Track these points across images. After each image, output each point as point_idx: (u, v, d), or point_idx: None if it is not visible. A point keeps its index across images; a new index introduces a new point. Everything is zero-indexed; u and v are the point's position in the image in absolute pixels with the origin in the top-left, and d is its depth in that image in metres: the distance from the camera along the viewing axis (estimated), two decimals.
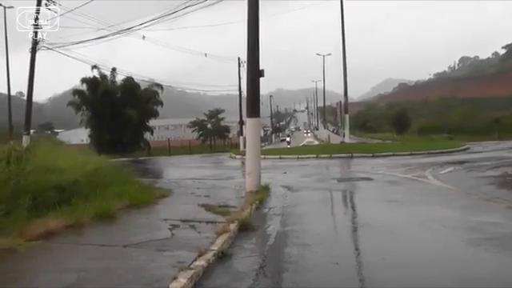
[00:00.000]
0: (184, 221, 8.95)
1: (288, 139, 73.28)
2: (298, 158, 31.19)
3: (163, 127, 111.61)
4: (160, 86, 57.45)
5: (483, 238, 7.57)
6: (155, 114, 58.61)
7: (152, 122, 61.10)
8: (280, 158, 31.17)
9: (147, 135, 60.36)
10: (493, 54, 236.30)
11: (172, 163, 34.98)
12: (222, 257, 6.76)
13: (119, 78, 55.64)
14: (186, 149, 57.28)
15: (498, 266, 6.34)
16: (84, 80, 53.58)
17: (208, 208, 10.52)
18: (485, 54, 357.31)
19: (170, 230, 8.21)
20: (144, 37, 33.70)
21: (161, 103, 58.02)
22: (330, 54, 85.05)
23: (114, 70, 54.81)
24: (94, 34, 57.56)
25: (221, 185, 16.70)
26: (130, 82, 54.90)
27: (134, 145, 54.40)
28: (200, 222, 8.93)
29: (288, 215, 10.42)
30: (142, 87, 56.59)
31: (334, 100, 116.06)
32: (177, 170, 27.47)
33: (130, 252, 6.76)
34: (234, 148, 55.47)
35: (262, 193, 13.41)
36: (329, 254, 7.02)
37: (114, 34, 30.76)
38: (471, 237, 7.72)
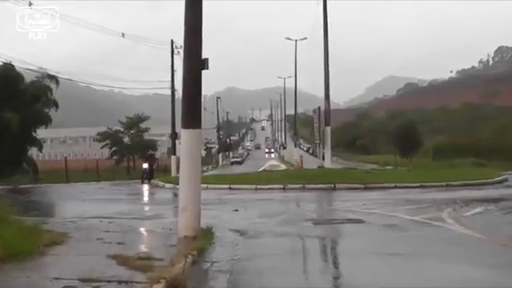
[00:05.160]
0: (85, 280, 8.82)
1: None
2: (255, 189, 31.35)
3: (58, 140, 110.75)
4: (55, 78, 56.64)
5: None
6: (46, 121, 57.69)
7: (42, 132, 60.31)
8: (230, 189, 31.23)
9: (33, 151, 59.56)
10: None
11: (70, 194, 34.68)
12: None
13: None
14: (93, 172, 56.90)
15: None
16: None
17: (122, 261, 10.41)
18: None
19: None
20: (31, 3, 33.35)
21: (55, 104, 57.23)
22: (305, 39, 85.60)
23: None
24: None
25: (142, 226, 16.71)
26: (8, 70, 53.88)
27: (12, 165, 53.55)
28: (109, 281, 8.83)
29: (239, 273, 10.42)
30: (28, 79, 55.88)
31: (310, 106, 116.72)
32: (77, 205, 27.24)
33: None
34: (163, 173, 55.34)
35: (203, 239, 13.35)
36: None
37: None
38: None
